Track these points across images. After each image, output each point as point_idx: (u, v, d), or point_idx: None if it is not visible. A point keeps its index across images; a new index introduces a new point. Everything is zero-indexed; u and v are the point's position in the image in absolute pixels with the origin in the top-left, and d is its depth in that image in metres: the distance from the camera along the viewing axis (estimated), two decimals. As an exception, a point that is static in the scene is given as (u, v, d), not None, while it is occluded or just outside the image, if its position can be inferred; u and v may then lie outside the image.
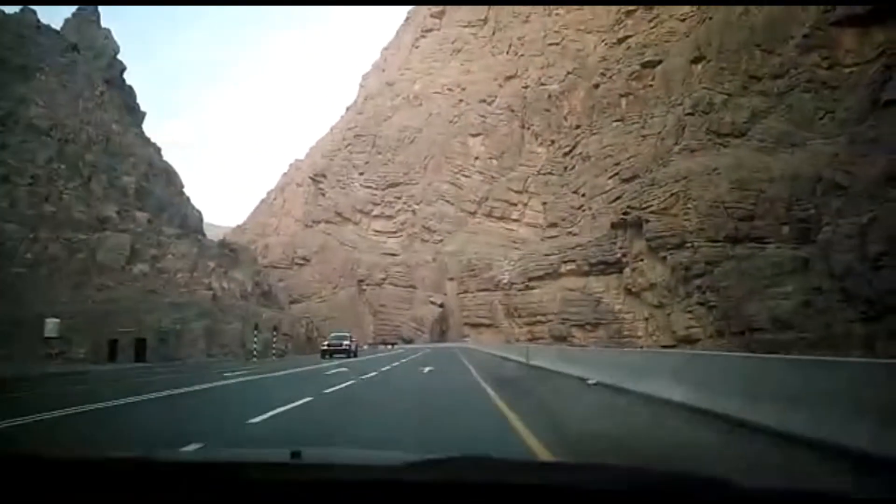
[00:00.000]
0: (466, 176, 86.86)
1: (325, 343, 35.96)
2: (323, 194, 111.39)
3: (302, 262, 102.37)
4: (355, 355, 35.04)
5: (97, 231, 45.90)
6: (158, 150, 67.16)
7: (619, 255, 53.46)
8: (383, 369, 21.91)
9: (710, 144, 51.43)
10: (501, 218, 79.71)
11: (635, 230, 50.33)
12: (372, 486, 1.16)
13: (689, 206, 44.96)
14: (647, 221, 47.31)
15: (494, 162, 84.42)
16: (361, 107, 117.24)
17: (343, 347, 34.16)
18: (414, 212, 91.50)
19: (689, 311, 43.99)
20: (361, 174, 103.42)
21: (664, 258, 46.27)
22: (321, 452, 1.77)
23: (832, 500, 1.15)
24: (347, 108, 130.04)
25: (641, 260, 49.76)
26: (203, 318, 39.64)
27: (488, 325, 66.73)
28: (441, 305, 75.06)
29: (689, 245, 43.75)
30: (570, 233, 65.47)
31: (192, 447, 4.91)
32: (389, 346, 76.34)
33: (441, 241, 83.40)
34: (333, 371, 19.81)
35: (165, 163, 67.47)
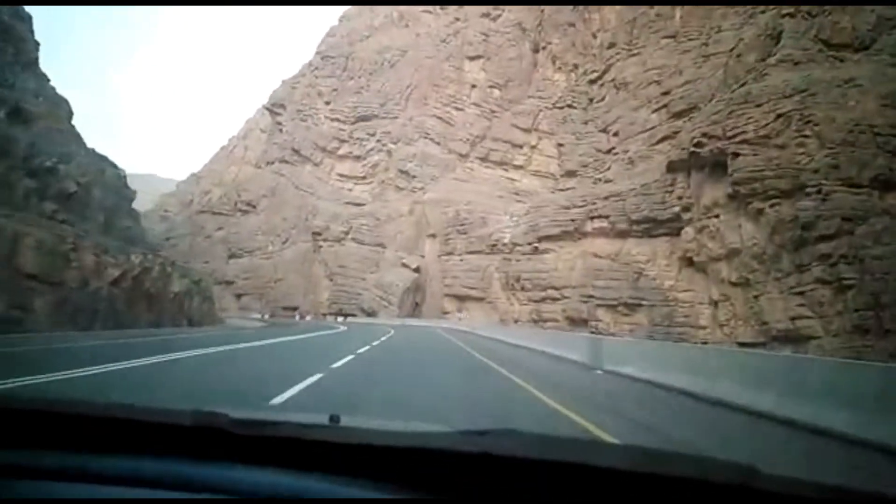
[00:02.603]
0: (459, 109, 71.87)
1: None
2: (281, 130, 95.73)
3: (246, 208, 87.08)
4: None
5: None
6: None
7: (676, 210, 39.32)
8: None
9: (820, 57, 37.12)
10: (501, 163, 65.08)
11: (708, 172, 36.24)
12: (406, 452, 1.24)
13: (810, 132, 30.83)
14: (736, 156, 33.07)
15: (496, 92, 69.51)
16: (335, 29, 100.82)
17: None
18: (389, 152, 76.44)
19: (800, 293, 30.17)
20: (328, 104, 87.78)
21: (759, 211, 32.23)
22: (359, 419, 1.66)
23: (863, 496, 1.14)
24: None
25: (716, 216, 35.69)
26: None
27: (478, 299, 52.55)
28: (416, 270, 60.61)
29: (810, 191, 29.68)
30: (598, 180, 51.11)
31: None
32: (340, 319, 62.28)
33: (421, 188, 68.63)
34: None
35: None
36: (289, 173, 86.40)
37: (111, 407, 1.49)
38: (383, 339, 26.60)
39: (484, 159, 65.88)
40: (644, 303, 40.04)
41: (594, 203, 45.18)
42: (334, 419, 1.53)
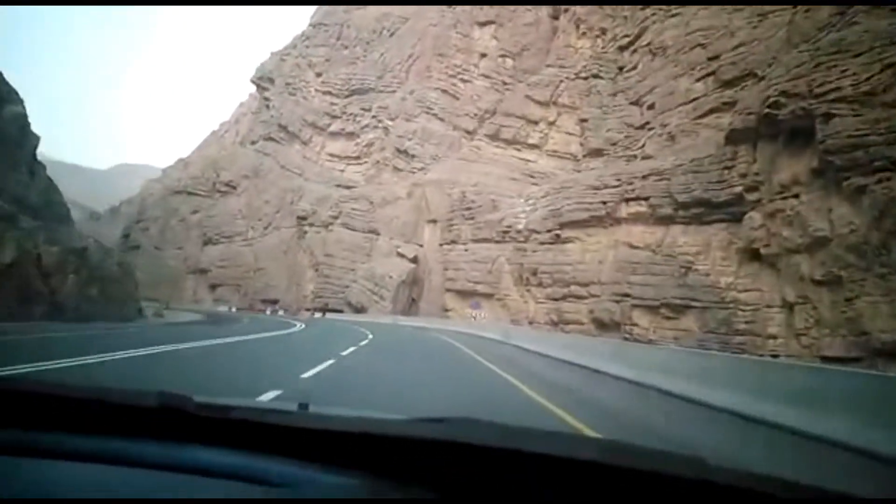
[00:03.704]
0: (466, 81, 65.09)
1: None
2: (268, 106, 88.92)
3: (225, 189, 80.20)
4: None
5: None
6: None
7: (737, 190, 32.68)
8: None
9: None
10: (513, 142, 58.28)
11: (784, 142, 29.64)
12: (366, 438, 1.30)
13: (934, 85, 24.26)
14: (828, 118, 26.38)
15: (509, 62, 62.76)
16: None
17: None
18: (386, 129, 69.61)
19: (919, 296, 23.60)
20: (318, 75, 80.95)
21: (860, 189, 25.64)
22: (328, 407, 1.86)
23: (807, 490, 1.17)
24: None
25: (795, 196, 29.06)
26: None
27: (486, 296, 45.75)
28: (414, 260, 53.83)
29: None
30: (631, 158, 44.45)
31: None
32: (318, 316, 55.36)
33: (421, 169, 61.86)
34: None
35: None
36: (274, 152, 79.57)
37: (77, 388, 1.50)
38: (368, 340, 19.77)
39: (494, 137, 59.06)
40: (694, 304, 33.33)
41: (630, 183, 38.43)
42: (303, 406, 1.57)
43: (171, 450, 1.29)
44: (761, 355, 29.45)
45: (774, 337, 30.31)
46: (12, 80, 25.44)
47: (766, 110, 29.49)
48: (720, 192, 33.60)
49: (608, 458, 1.19)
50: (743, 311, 31.79)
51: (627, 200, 38.54)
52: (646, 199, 37.40)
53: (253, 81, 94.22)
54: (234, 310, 65.45)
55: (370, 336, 23.55)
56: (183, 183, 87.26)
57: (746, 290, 32.02)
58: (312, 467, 1.23)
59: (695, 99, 43.71)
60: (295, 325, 33.12)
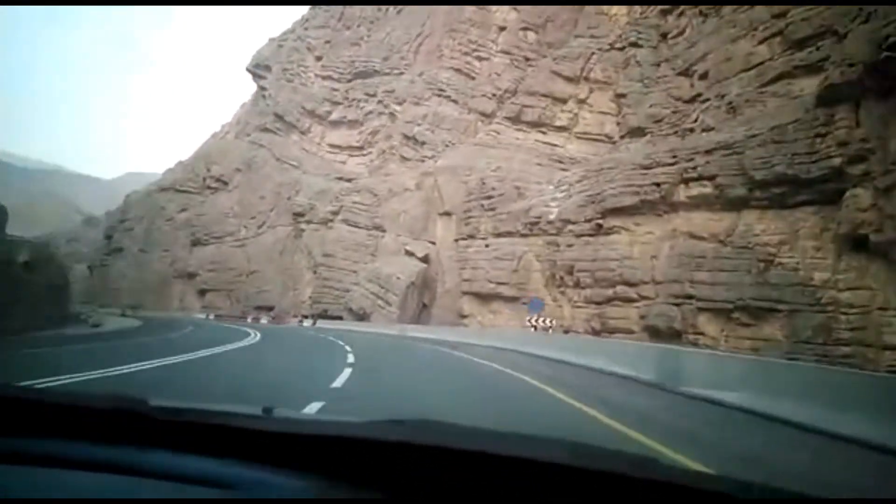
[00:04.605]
0: (483, 58, 59.00)
1: None
2: (264, 96, 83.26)
3: (216, 184, 74.44)
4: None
5: None
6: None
7: (835, 163, 26.33)
8: None
9: None
10: (537, 124, 52.08)
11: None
12: (325, 441, 1.32)
13: None
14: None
15: (531, 35, 56.63)
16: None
17: None
18: (392, 115, 63.64)
19: None
20: (318, 59, 75.23)
21: None
22: (292, 411, 1.84)
23: (763, 490, 1.22)
24: None
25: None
26: None
27: (510, 299, 39.45)
28: (424, 259, 47.65)
29: None
30: (686, 133, 38.21)
31: None
32: (307, 324, 49.12)
33: (432, 157, 55.79)
34: None
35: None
36: (269, 143, 73.71)
37: (24, 391, 1.51)
38: (361, 369, 13.34)
39: (515, 119, 52.86)
40: (779, 307, 26.95)
41: (690, 160, 32.09)
42: (267, 410, 1.53)
43: (124, 453, 1.27)
44: (874, 370, 23.10)
45: (893, 347, 23.90)
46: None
47: (886, 53, 23.12)
48: (811, 167, 27.19)
49: (567, 459, 1.20)
50: (846, 314, 25.37)
51: (687, 181, 32.17)
52: (710, 178, 31.02)
53: (249, 70, 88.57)
54: (211, 317, 59.93)
55: (348, 366, 13.96)
56: (170, 179, 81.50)
57: (850, 289, 25.61)
58: (268, 470, 1.23)
59: (759, 64, 37.37)
60: (245, 338, 26.12)
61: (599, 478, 1.15)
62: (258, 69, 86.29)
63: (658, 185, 33.08)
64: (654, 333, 31.26)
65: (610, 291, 33.59)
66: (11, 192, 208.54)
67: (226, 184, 73.39)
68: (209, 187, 74.51)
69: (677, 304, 30.69)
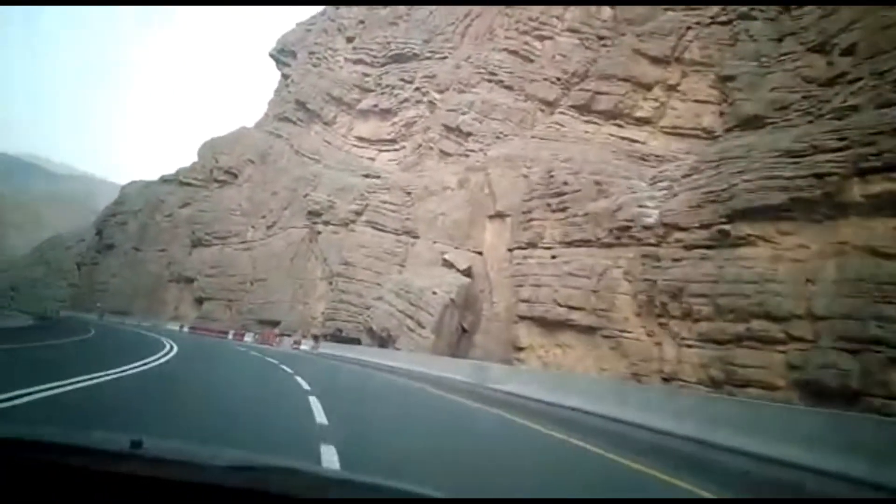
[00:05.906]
0: (545, 37, 50.41)
1: None
2: (287, 85, 75.47)
3: (224, 177, 66.32)
4: None
5: None
6: None
7: None
8: None
9: None
10: (613, 115, 43.07)
11: None
12: (178, 486, 1.29)
13: None
14: None
15: (606, 10, 47.78)
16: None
17: None
18: (432, 104, 55.11)
19: None
20: (350, 41, 67.26)
21: None
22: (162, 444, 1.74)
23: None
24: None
25: None
26: None
27: (586, 330, 29.94)
28: (467, 273, 38.55)
29: None
30: (818, 117, 28.77)
31: None
32: (305, 347, 39.71)
33: (480, 151, 46.99)
34: None
35: None
36: (288, 134, 65.63)
37: None
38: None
39: (583, 108, 43.89)
40: None
41: (869, 143, 22.70)
42: (136, 444, 1.46)
43: None
44: None
45: None
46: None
47: None
48: None
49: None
50: None
51: (863, 173, 22.76)
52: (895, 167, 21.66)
53: (271, 55, 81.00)
54: (185, 329, 51.89)
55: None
56: (173, 170, 73.59)
57: None
58: None
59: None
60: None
61: None
62: (282, 55, 78.69)
63: (818, 177, 23.68)
64: (815, 392, 21.69)
65: (741, 327, 24.04)
66: (30, 193, 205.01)
67: (235, 176, 65.18)
68: (216, 180, 66.30)
69: (853, 352, 21.13)
